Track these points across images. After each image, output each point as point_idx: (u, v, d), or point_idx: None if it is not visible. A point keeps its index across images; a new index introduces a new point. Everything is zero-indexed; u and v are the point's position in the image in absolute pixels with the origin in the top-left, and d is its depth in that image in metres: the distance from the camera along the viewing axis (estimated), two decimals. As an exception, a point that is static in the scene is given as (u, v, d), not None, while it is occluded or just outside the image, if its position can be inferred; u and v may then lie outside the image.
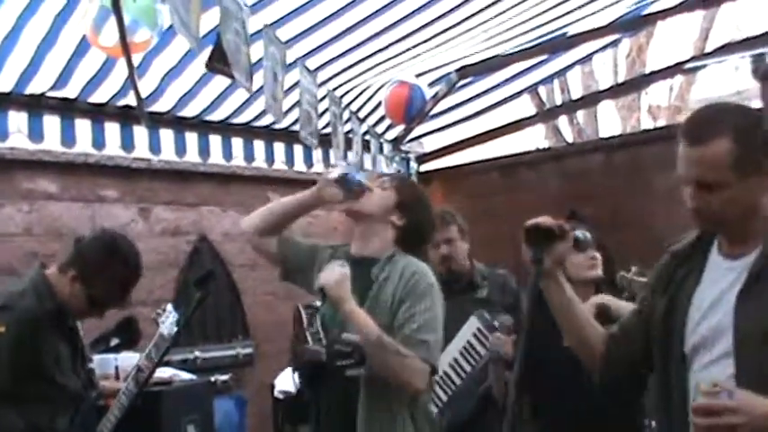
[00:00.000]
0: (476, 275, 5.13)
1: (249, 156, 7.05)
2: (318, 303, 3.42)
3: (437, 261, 4.83)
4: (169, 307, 3.96)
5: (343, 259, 3.50)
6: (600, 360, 2.71)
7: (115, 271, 3.91)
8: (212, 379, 6.08)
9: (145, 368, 3.93)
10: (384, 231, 3.57)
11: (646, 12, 7.93)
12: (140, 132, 6.12)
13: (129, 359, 4.75)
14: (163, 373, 4.82)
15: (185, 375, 5.36)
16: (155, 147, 6.32)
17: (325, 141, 6.42)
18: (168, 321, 3.90)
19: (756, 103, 8.67)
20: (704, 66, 11.91)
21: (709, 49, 14.11)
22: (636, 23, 8.56)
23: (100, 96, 5.82)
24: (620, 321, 2.81)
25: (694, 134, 2.44)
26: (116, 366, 4.79)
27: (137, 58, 5.04)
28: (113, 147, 6.16)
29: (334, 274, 3.35)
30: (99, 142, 6.02)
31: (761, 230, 2.43)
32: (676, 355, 2.48)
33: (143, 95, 5.51)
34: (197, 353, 6.68)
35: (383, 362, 3.29)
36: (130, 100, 5.71)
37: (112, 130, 6.04)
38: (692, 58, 11.70)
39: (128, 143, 6.15)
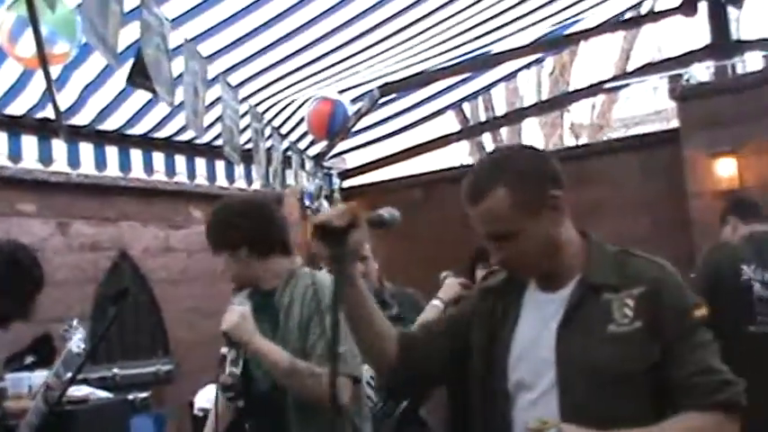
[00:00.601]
0: (386, 294, 5.14)
1: (170, 170, 6.98)
2: (224, 350, 3.38)
3: None
4: (75, 322, 3.88)
5: (243, 296, 3.46)
6: (386, 366, 2.56)
7: (16, 283, 3.81)
8: (131, 397, 5.98)
9: (54, 386, 3.84)
10: (255, 267, 3.50)
11: (567, 32, 8.06)
12: (59, 146, 6.01)
13: (43, 378, 4.65)
14: (78, 391, 4.73)
15: (102, 394, 5.26)
16: (74, 161, 6.21)
17: (247, 157, 6.38)
18: (76, 337, 3.83)
19: (674, 123, 8.88)
20: (625, 85, 12.15)
21: (630, 69, 14.38)
22: (558, 43, 8.70)
23: (17, 108, 5.71)
24: (421, 331, 2.71)
25: (472, 194, 2.37)
26: (29, 385, 4.69)
27: (55, 70, 4.96)
28: (31, 160, 6.04)
29: (233, 315, 3.32)
30: (16, 155, 5.90)
31: (575, 261, 2.41)
32: (499, 392, 2.41)
33: (62, 108, 5.41)
34: (116, 370, 6.56)
35: (302, 387, 3.28)
36: (49, 112, 5.61)
37: (30, 143, 5.91)
38: (614, 78, 11.94)
39: (46, 156, 6.02)
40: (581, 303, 2.33)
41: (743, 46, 8.54)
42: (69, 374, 3.84)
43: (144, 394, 6.32)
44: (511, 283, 2.51)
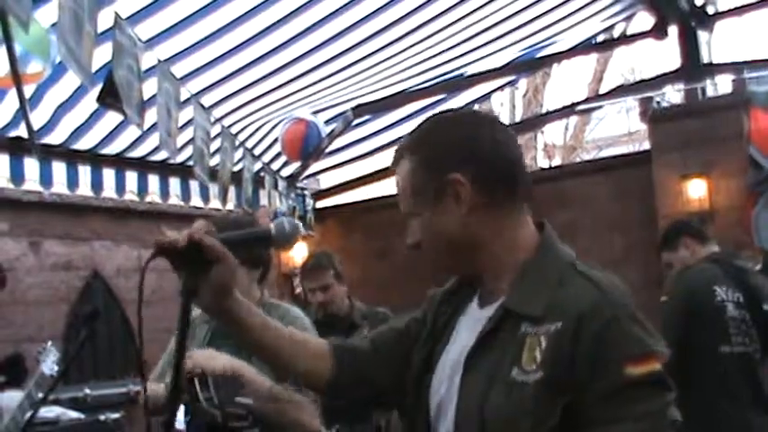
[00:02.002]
0: (356, 315, 5.14)
1: (143, 190, 6.97)
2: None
3: (316, 305, 4.89)
4: (49, 344, 3.86)
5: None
6: (323, 385, 2.02)
7: None
8: (102, 418, 5.93)
9: (26, 408, 3.82)
10: (244, 283, 3.18)
11: (541, 54, 8.13)
12: (31, 165, 6.00)
13: (14, 398, 4.61)
14: (50, 412, 4.69)
15: (74, 414, 5.22)
16: (46, 179, 6.19)
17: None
18: (49, 359, 3.81)
19: (647, 145, 8.96)
20: (598, 107, 12.25)
21: (603, 90, 14.50)
22: (531, 65, 8.76)
23: (-11, 127, 5.70)
24: (367, 339, 2.10)
25: (393, 156, 1.91)
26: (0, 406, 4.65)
27: (29, 90, 4.95)
28: (2, 179, 6.02)
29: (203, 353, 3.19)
30: (-13, 174, 5.89)
31: (508, 273, 1.81)
32: (423, 415, 1.89)
33: (35, 127, 5.39)
34: (87, 390, 6.49)
35: (278, 412, 3.23)
36: (22, 131, 5.60)
37: (2, 161, 5.89)
38: (587, 100, 12.02)
39: (18, 175, 6.01)
40: (497, 330, 1.76)
41: (713, 69, 8.63)
42: (40, 395, 3.83)
43: (116, 415, 6.26)
44: (461, 286, 1.98)
